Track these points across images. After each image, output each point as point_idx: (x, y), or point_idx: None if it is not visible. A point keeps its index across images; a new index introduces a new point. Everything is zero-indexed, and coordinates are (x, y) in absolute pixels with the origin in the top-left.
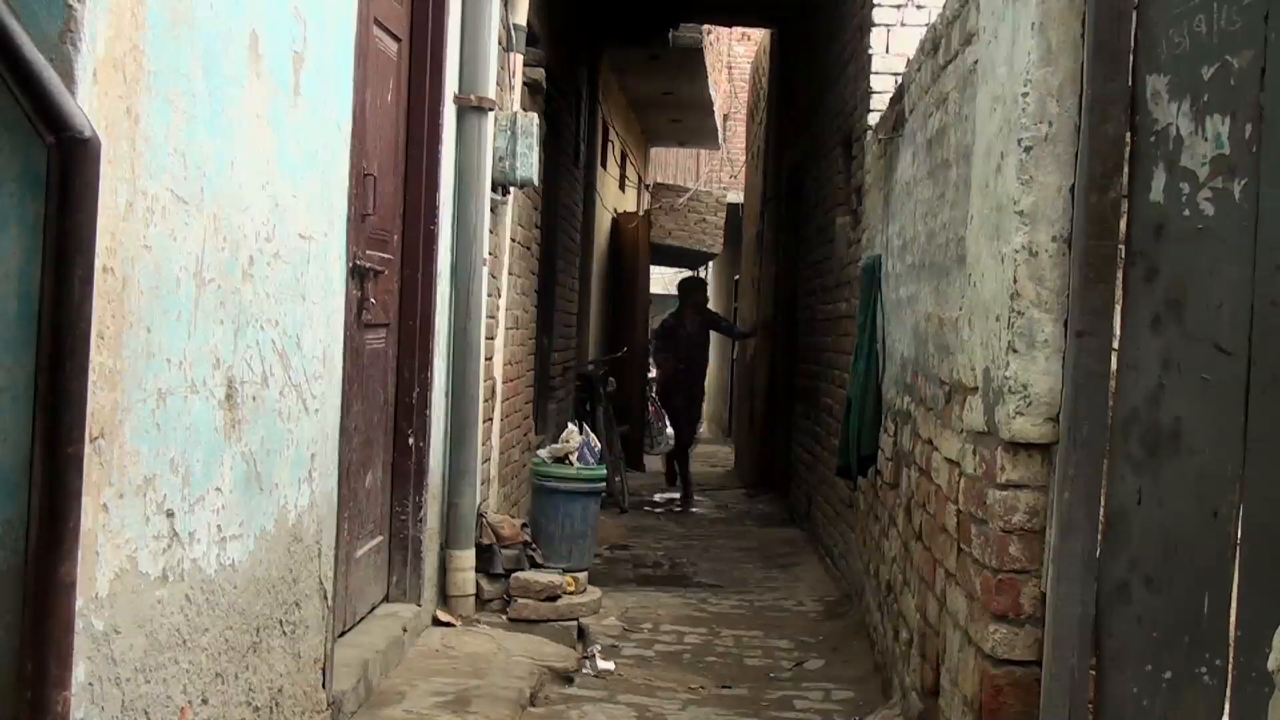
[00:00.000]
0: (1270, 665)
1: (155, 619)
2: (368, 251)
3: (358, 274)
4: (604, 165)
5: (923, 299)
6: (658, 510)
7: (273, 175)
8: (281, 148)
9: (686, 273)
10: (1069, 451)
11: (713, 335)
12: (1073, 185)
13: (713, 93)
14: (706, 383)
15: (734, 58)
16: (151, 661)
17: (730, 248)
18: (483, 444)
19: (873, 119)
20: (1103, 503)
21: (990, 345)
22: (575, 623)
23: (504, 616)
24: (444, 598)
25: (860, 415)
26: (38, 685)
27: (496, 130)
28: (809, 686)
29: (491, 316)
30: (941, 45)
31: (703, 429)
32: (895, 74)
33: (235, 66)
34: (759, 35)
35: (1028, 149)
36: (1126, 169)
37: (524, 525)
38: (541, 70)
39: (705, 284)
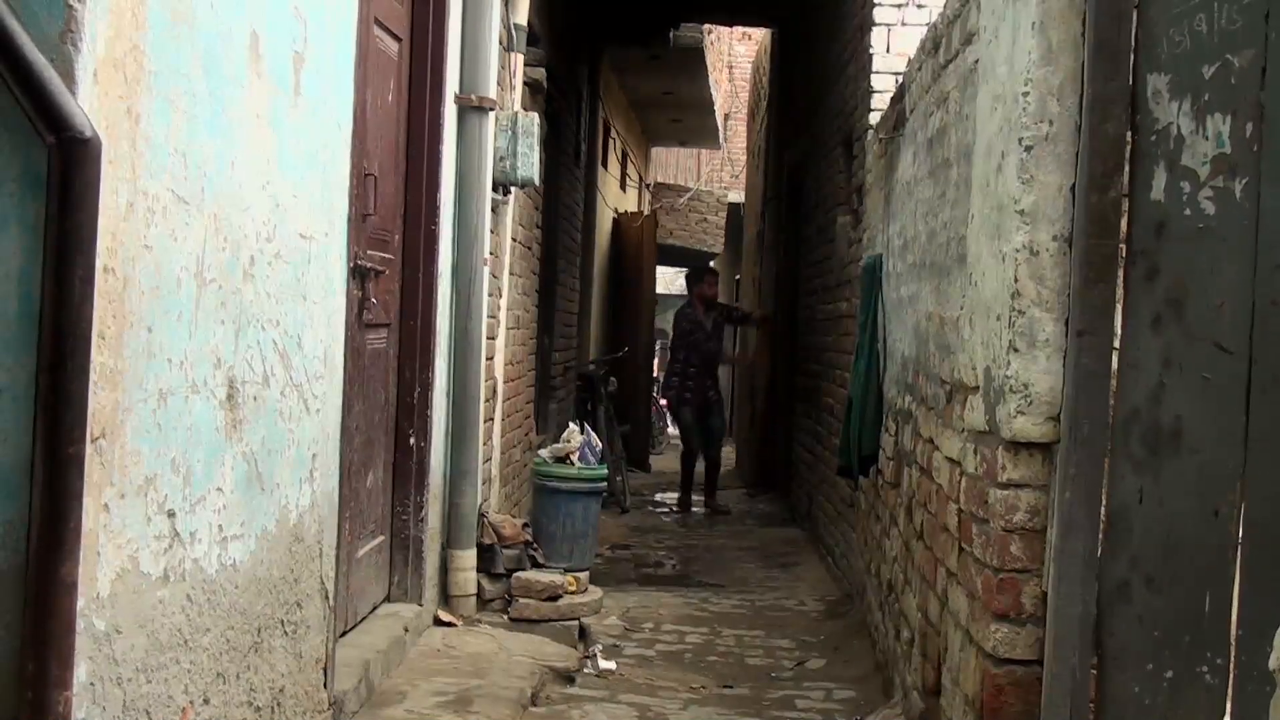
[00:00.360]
0: (1271, 664)
1: (157, 619)
2: (369, 251)
3: (359, 274)
4: (605, 165)
5: (924, 298)
6: (659, 510)
7: (273, 175)
8: (282, 148)
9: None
10: (1070, 451)
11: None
12: (1073, 184)
13: (713, 92)
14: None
15: (735, 57)
16: (153, 661)
17: (731, 247)
18: (484, 444)
19: (873, 118)
20: (1104, 502)
21: (991, 344)
22: (576, 622)
23: (505, 616)
24: (445, 597)
25: (861, 415)
26: (39, 685)
27: (497, 130)
28: (810, 686)
29: (492, 316)
30: (942, 45)
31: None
32: (896, 73)
33: (236, 66)
34: (760, 35)
35: (1028, 148)
36: (1127, 168)
37: (525, 525)
38: (542, 70)
39: (715, 273)
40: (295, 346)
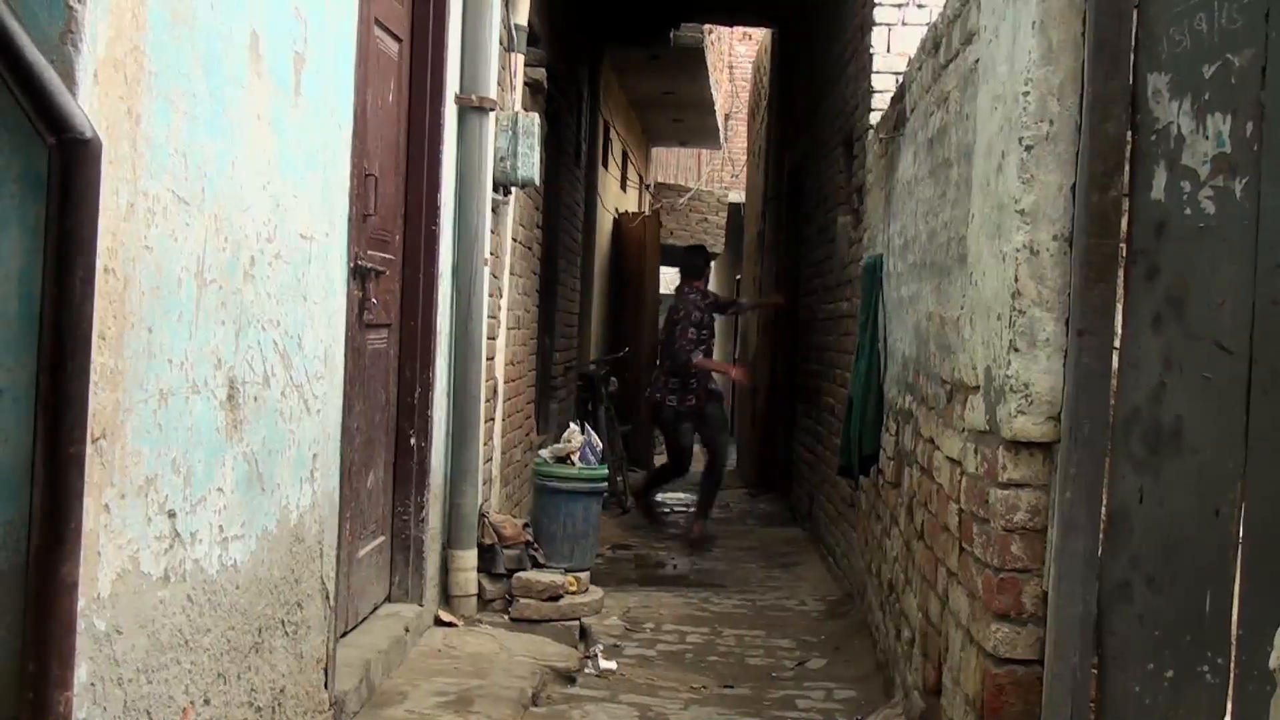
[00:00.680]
0: (1272, 664)
1: (157, 619)
2: (369, 252)
3: (359, 274)
4: (605, 165)
5: (924, 298)
6: (660, 510)
7: (274, 175)
8: (282, 148)
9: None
10: (1070, 450)
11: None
12: (1074, 184)
13: (714, 92)
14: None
15: (735, 57)
16: (153, 662)
17: (732, 247)
18: (484, 444)
19: (874, 118)
20: (1104, 502)
21: (991, 344)
22: (577, 622)
23: (506, 616)
24: (446, 598)
25: (862, 414)
26: (40, 686)
27: (498, 130)
28: (811, 686)
29: (493, 316)
30: (942, 44)
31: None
32: (896, 73)
33: (236, 67)
34: (760, 35)
35: (1029, 148)
36: (1127, 167)
37: (526, 525)
38: (542, 70)
39: (706, 255)
40: (296, 347)
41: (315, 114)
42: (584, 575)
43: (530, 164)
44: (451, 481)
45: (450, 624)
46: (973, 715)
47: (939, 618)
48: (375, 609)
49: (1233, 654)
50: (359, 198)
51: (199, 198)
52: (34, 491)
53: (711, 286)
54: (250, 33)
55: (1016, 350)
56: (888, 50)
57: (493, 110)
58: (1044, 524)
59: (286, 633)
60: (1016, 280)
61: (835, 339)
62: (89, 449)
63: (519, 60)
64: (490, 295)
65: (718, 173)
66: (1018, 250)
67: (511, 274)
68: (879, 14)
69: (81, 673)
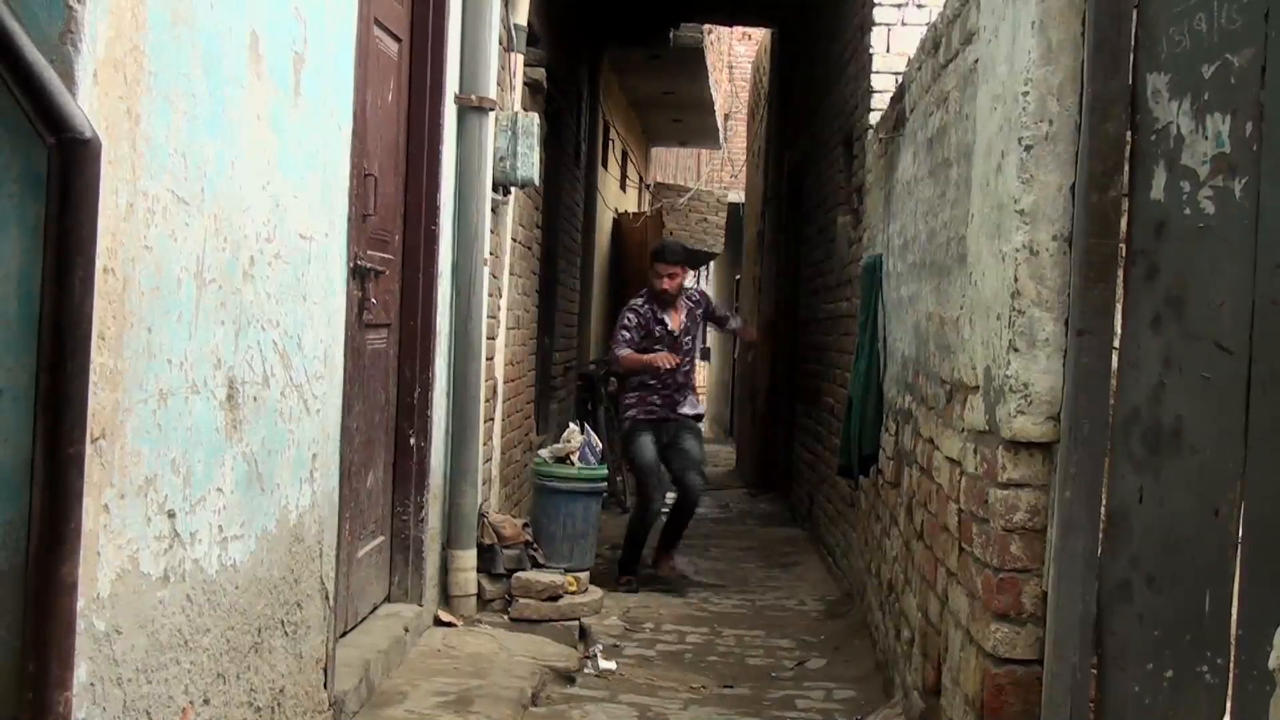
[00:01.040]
0: (1271, 663)
1: (157, 619)
2: (369, 252)
3: (359, 274)
4: (605, 165)
5: (924, 298)
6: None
7: (273, 175)
8: (282, 148)
9: (689, 273)
10: (1070, 450)
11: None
12: (1073, 184)
13: (713, 92)
14: (708, 383)
15: (735, 57)
16: (153, 662)
17: (731, 247)
18: (484, 444)
19: (874, 118)
20: (1104, 501)
21: (991, 344)
22: (577, 622)
23: (505, 616)
24: (445, 598)
25: (861, 414)
26: (39, 686)
27: (497, 130)
28: (810, 686)
29: (493, 316)
30: (942, 44)
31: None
32: (896, 73)
33: (236, 67)
34: (760, 34)
35: (1028, 148)
36: (1127, 167)
37: (525, 525)
38: (542, 70)
39: (676, 252)
40: (295, 347)
41: (315, 114)
42: (583, 575)
43: (530, 164)
44: (451, 481)
45: (450, 624)
46: (972, 715)
47: (938, 618)
48: (375, 609)
49: (1232, 654)
50: (359, 198)
51: (198, 198)
52: (34, 491)
53: (707, 287)
54: (250, 33)
55: (1016, 350)
56: (887, 50)
57: (492, 110)
58: (1043, 524)
59: (286, 633)
60: (1016, 280)
61: (835, 339)
62: (89, 449)
63: (519, 60)
64: (490, 295)
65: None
66: (1017, 250)
67: (511, 274)
68: (879, 14)
69: (81, 673)
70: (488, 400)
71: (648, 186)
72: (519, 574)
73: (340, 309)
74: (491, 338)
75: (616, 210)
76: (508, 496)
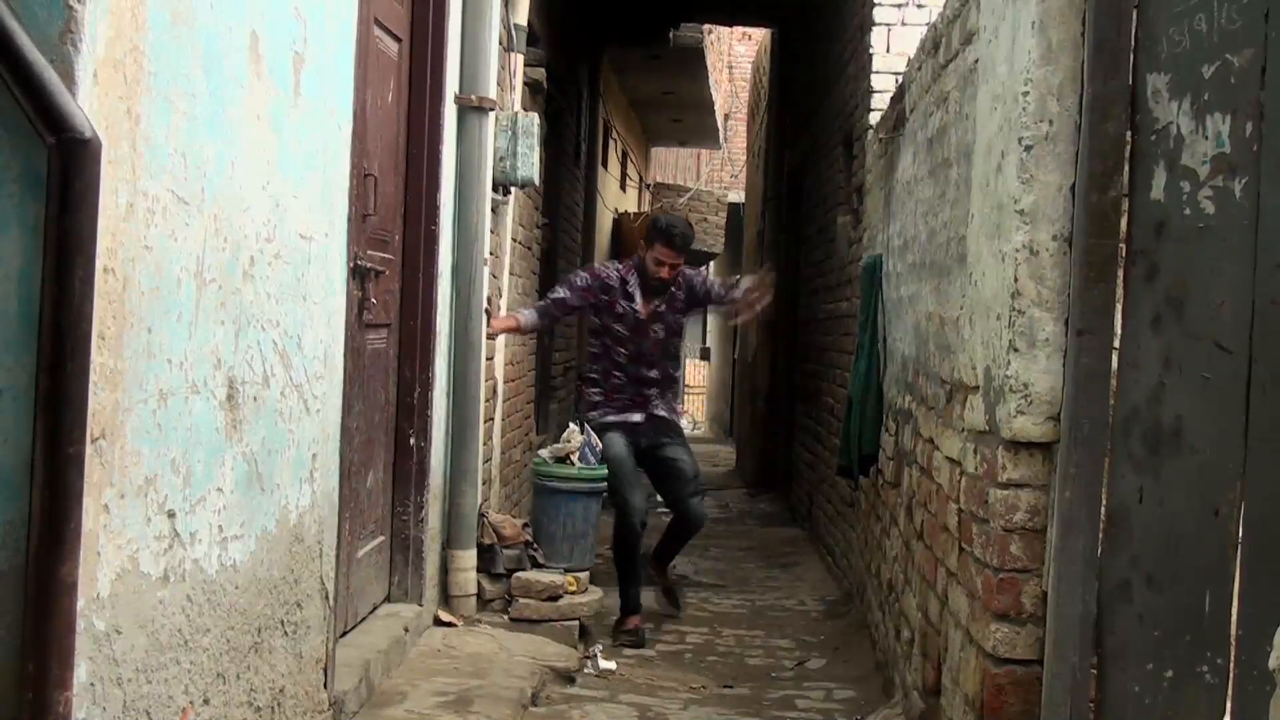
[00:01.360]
0: (1271, 663)
1: (157, 619)
2: (369, 251)
3: (359, 274)
4: (605, 165)
5: (923, 298)
6: (660, 510)
7: (273, 175)
8: (282, 148)
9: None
10: (1070, 450)
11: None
12: (1073, 184)
13: (713, 92)
14: (708, 383)
15: (735, 57)
16: (153, 662)
17: (731, 247)
18: (484, 444)
19: (873, 118)
20: (1104, 501)
21: (991, 344)
22: (577, 622)
23: (505, 616)
24: (445, 598)
25: (861, 414)
26: (39, 686)
27: (497, 130)
28: (810, 686)
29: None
30: (942, 44)
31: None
32: (896, 73)
33: (236, 67)
34: (760, 34)
35: (1028, 148)
36: (1127, 168)
37: (525, 525)
38: (542, 70)
39: (677, 231)
40: (295, 347)
41: (315, 114)
42: (583, 575)
43: (530, 164)
44: (451, 481)
45: (450, 624)
46: (972, 715)
47: (938, 618)
48: (375, 609)
49: (1232, 654)
50: (359, 198)
51: (198, 198)
52: (34, 491)
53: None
54: (250, 33)
55: (1016, 350)
56: (887, 50)
57: (492, 110)
58: (1043, 524)
59: (286, 633)
60: (1016, 280)
61: (835, 339)
62: (88, 449)
63: (519, 60)
64: (490, 295)
65: (717, 173)
66: (1017, 250)
67: (511, 274)
68: (879, 14)
69: (81, 673)
70: (488, 400)
71: (648, 186)
72: (519, 574)
73: (340, 309)
74: (492, 337)
75: (616, 210)
76: (507, 496)
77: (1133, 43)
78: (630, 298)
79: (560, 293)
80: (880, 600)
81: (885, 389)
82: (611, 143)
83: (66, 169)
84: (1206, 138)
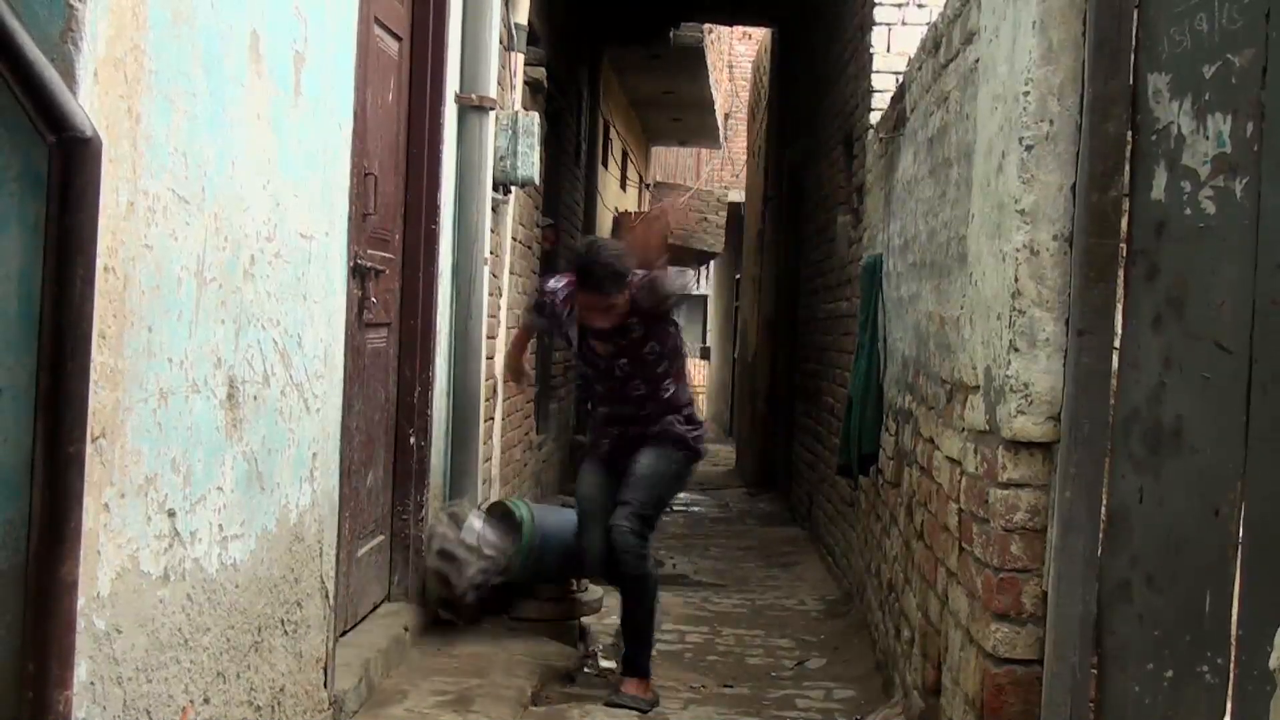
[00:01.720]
0: (1272, 664)
1: (157, 618)
2: (369, 251)
3: (359, 273)
4: (605, 164)
5: (924, 298)
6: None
7: (274, 175)
8: (282, 147)
9: (690, 273)
10: (1070, 450)
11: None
12: (1074, 184)
13: (714, 92)
14: (707, 383)
15: (735, 56)
16: (153, 661)
17: (731, 247)
18: (484, 443)
19: (874, 118)
20: (1104, 501)
21: (991, 344)
22: (577, 622)
23: (505, 616)
24: None
25: (861, 414)
26: (39, 685)
27: (497, 129)
28: (810, 685)
29: (493, 316)
30: (942, 44)
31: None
32: (896, 73)
33: (236, 66)
34: (760, 34)
35: (1029, 147)
36: (1128, 167)
37: None
38: (542, 69)
39: (613, 269)
40: (295, 346)
41: (315, 113)
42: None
43: (530, 163)
44: (451, 481)
45: (450, 623)
46: (972, 715)
47: (938, 617)
48: (375, 608)
49: (1232, 654)
50: (359, 197)
51: (199, 197)
52: (34, 491)
53: (707, 287)
54: (250, 32)
55: (1016, 350)
56: (888, 50)
57: (492, 109)
58: (1044, 524)
59: (286, 632)
60: (1016, 280)
61: (835, 339)
62: (89, 448)
63: (519, 59)
64: (490, 294)
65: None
66: (1018, 250)
67: (511, 273)
68: (879, 14)
69: (81, 672)
70: (488, 400)
71: (648, 186)
72: None
73: (340, 308)
74: (492, 337)
75: (616, 209)
76: (507, 496)
77: (1133, 42)
78: (567, 336)
79: (528, 319)
80: (880, 600)
81: (885, 389)
82: (611, 142)
83: (67, 168)
84: (1207, 138)
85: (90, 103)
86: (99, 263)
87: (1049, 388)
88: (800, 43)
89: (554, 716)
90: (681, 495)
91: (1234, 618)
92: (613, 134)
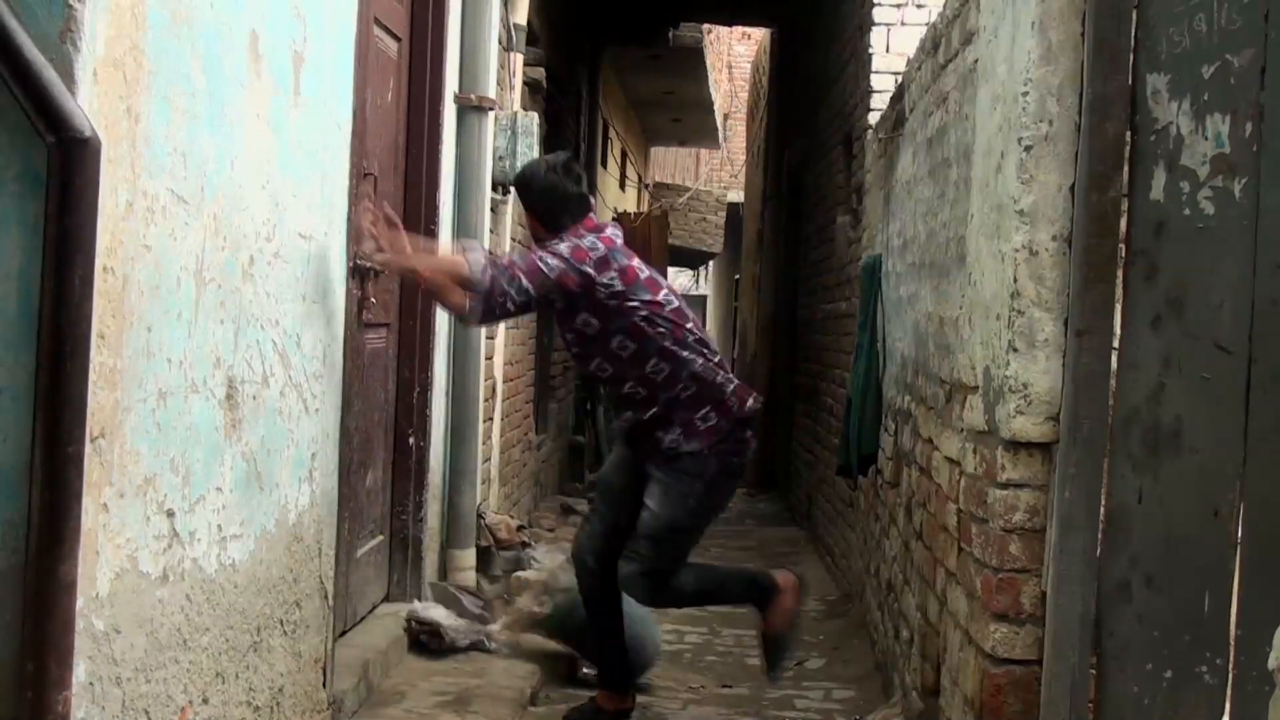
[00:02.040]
0: (1271, 664)
1: (156, 618)
2: None
3: (358, 273)
4: (604, 165)
5: (923, 298)
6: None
7: (273, 175)
8: (282, 147)
9: (688, 273)
10: (1069, 450)
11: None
12: (1073, 184)
13: (713, 92)
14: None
15: (734, 57)
16: (152, 661)
17: (731, 247)
18: (483, 443)
19: (873, 118)
20: (1103, 502)
21: (990, 344)
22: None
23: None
24: None
25: (861, 414)
26: (38, 685)
27: (497, 130)
28: (809, 686)
29: None
30: (942, 44)
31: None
32: (895, 73)
33: (235, 66)
34: (759, 34)
35: (1028, 148)
36: (1127, 168)
37: (520, 527)
38: (542, 70)
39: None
40: (294, 346)
41: (315, 113)
42: None
43: None
44: (450, 481)
45: None
46: (971, 715)
47: (937, 618)
48: (374, 608)
49: (1231, 654)
50: (358, 197)
51: (198, 197)
52: (33, 491)
53: (707, 287)
54: (250, 32)
55: (1015, 350)
56: (887, 50)
57: (492, 110)
58: (1043, 524)
59: (285, 632)
60: (1015, 280)
61: (834, 339)
62: (88, 448)
63: (518, 60)
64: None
65: (717, 172)
66: (1017, 250)
67: None
68: (878, 14)
69: (80, 672)
70: (487, 400)
71: (647, 186)
72: (517, 574)
73: (340, 308)
74: (491, 337)
75: (616, 210)
76: (507, 496)
77: (1133, 43)
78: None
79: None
80: (879, 600)
81: (884, 389)
82: (610, 142)
83: (66, 168)
84: (1206, 138)
85: (89, 103)
86: (98, 263)
87: (1048, 388)
88: (800, 43)
89: (553, 717)
90: None
91: (1233, 618)
92: (612, 134)
